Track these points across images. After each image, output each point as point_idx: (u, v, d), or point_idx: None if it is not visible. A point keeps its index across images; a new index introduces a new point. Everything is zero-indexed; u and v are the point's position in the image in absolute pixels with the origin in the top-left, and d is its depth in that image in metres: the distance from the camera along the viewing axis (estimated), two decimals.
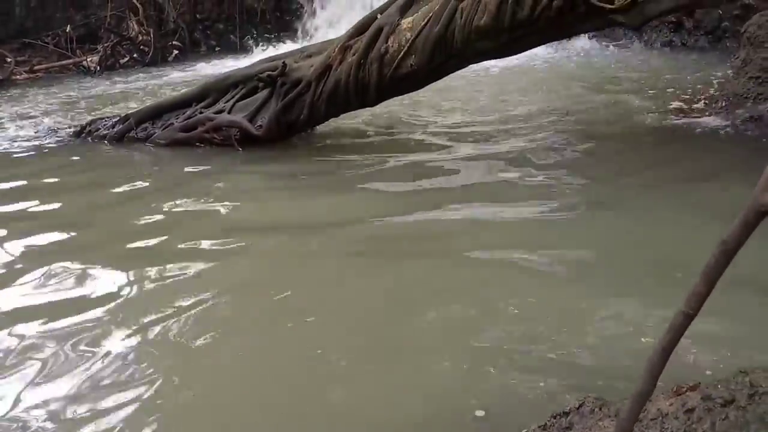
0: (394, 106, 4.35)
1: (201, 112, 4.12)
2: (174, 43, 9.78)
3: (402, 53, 3.34)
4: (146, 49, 9.32)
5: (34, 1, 10.11)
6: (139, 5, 9.59)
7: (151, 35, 9.39)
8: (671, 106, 4.10)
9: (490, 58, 3.42)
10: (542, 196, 2.60)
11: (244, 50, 10.09)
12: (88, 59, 8.91)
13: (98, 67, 8.75)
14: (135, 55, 9.18)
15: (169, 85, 6.91)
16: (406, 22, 3.33)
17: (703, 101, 4.14)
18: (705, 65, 5.44)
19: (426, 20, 3.24)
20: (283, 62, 3.69)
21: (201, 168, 3.45)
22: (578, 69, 5.70)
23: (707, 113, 3.91)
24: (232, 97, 4.03)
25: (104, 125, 4.52)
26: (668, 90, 4.60)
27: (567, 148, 3.27)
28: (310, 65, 3.66)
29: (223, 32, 10.40)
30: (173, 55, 9.59)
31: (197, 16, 10.29)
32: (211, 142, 3.98)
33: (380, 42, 3.37)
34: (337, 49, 3.52)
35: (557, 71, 5.57)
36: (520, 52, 3.31)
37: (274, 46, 9.53)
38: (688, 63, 5.66)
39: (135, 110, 4.45)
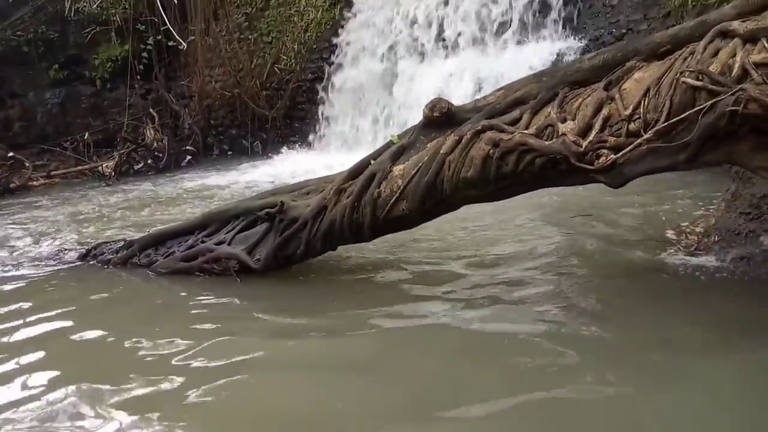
0: None
1: (203, 241, 4.23)
2: (188, 148, 10.17)
3: (394, 198, 3.46)
4: (160, 154, 9.69)
5: (55, 108, 10.65)
6: (155, 114, 10.07)
7: (166, 141, 9.80)
8: (664, 238, 4.15)
9: (478, 203, 3.52)
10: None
11: (255, 154, 10.48)
12: (104, 165, 9.27)
13: (113, 173, 9.09)
14: (149, 161, 9.54)
15: (177, 199, 7.10)
16: (397, 169, 3.48)
17: (695, 235, 4.20)
18: (697, 189, 5.50)
19: (416, 169, 3.38)
20: (282, 201, 3.83)
21: (197, 308, 3.52)
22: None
23: (700, 249, 3.95)
24: (233, 228, 4.15)
25: (109, 249, 4.65)
26: (660, 219, 4.65)
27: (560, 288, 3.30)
28: (306, 204, 3.79)
29: (236, 137, 10.83)
30: (186, 160, 9.96)
31: (211, 122, 10.75)
32: (210, 272, 4.07)
33: (373, 187, 3.51)
34: (332, 192, 3.66)
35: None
36: (506, 198, 3.42)
37: (284, 152, 9.92)
38: (680, 184, 5.72)
39: (139, 237, 4.58)
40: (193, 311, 3.43)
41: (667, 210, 4.90)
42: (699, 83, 2.59)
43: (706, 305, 3.12)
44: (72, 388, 2.61)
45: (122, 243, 4.63)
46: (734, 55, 2.56)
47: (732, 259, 3.79)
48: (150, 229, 5.08)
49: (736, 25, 2.61)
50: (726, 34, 2.64)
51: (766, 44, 2.46)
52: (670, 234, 4.25)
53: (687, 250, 4.02)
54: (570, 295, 3.24)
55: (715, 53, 2.62)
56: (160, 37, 10.10)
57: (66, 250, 4.95)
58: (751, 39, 2.54)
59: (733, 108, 2.48)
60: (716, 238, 4.12)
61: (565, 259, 3.85)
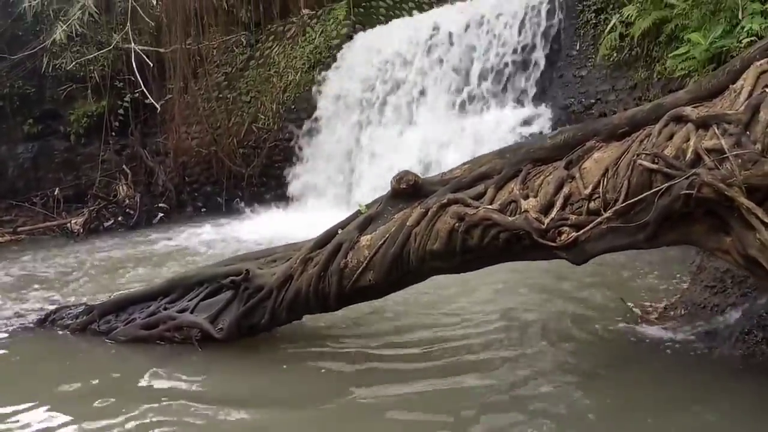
0: None
1: (165, 308, 4.13)
2: (160, 205, 10.09)
3: (361, 268, 3.44)
4: (132, 211, 9.58)
5: (27, 162, 10.56)
6: (128, 170, 10.01)
7: (138, 198, 9.71)
8: (631, 311, 4.15)
9: (444, 274, 3.51)
10: None
11: (230, 211, 10.42)
12: (73, 221, 9.11)
13: (81, 230, 8.92)
14: (120, 218, 9.42)
15: (144, 260, 6.97)
16: (364, 239, 3.47)
17: (662, 308, 4.21)
18: (664, 261, 5.52)
19: (383, 240, 3.38)
20: (247, 269, 3.78)
21: (153, 382, 3.39)
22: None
23: (666, 322, 3.96)
24: (197, 295, 4.07)
25: (69, 314, 4.52)
26: (627, 291, 4.64)
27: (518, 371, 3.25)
28: (272, 273, 3.75)
29: (211, 194, 10.79)
30: (159, 217, 9.85)
31: (186, 178, 10.73)
32: (171, 340, 3.96)
33: (340, 257, 3.49)
34: (298, 261, 3.63)
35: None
36: (473, 270, 3.42)
37: (259, 210, 9.88)
38: (647, 256, 5.72)
39: (100, 302, 4.46)
40: (147, 386, 3.30)
41: (634, 282, 4.92)
42: (655, 166, 2.65)
43: (673, 382, 3.10)
44: None
45: (82, 308, 4.51)
46: (688, 140, 2.64)
47: (698, 333, 3.80)
48: (113, 293, 4.95)
49: (689, 110, 2.70)
50: (680, 119, 2.73)
51: (717, 131, 2.55)
52: (637, 307, 4.26)
53: (654, 323, 4.02)
54: (536, 380, 3.15)
55: (670, 137, 2.70)
56: (137, 94, 10.16)
57: (24, 312, 4.80)
58: (703, 125, 2.62)
59: (687, 191, 2.53)
60: (682, 312, 4.14)
61: (530, 336, 3.75)
